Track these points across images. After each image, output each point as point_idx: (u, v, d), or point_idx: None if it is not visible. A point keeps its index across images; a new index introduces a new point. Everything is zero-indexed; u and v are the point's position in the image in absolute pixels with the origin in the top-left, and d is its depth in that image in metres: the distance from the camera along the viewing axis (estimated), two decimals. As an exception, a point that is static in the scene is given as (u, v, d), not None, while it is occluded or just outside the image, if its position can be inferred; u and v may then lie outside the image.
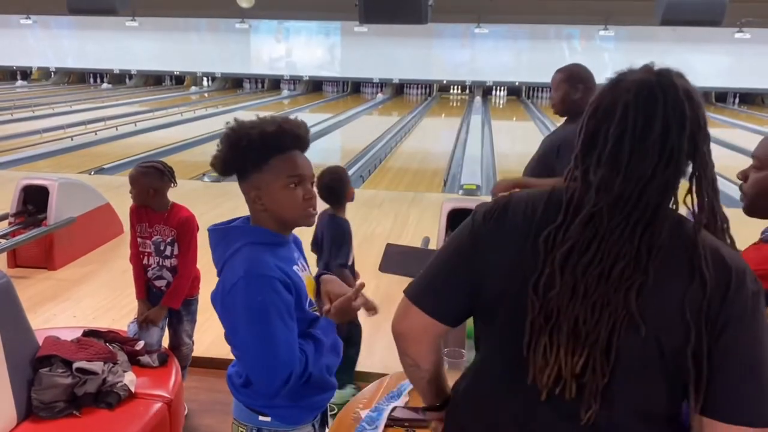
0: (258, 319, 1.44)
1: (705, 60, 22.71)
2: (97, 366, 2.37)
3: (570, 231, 1.01)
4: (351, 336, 2.94)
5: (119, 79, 26.53)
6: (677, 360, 0.98)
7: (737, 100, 23.74)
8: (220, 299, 1.52)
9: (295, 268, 1.57)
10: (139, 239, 2.85)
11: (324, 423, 1.78)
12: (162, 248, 2.82)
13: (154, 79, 26.93)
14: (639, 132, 0.98)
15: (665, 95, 0.98)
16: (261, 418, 1.61)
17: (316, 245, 2.95)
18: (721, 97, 23.89)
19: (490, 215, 1.12)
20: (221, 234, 1.57)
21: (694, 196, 1.02)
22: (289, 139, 1.50)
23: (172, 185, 2.86)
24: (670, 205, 1.02)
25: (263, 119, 1.52)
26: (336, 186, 2.94)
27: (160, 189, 2.80)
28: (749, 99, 23.47)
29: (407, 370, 1.28)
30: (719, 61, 22.48)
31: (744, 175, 1.43)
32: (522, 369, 1.06)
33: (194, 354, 3.19)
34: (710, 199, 1.02)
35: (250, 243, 1.51)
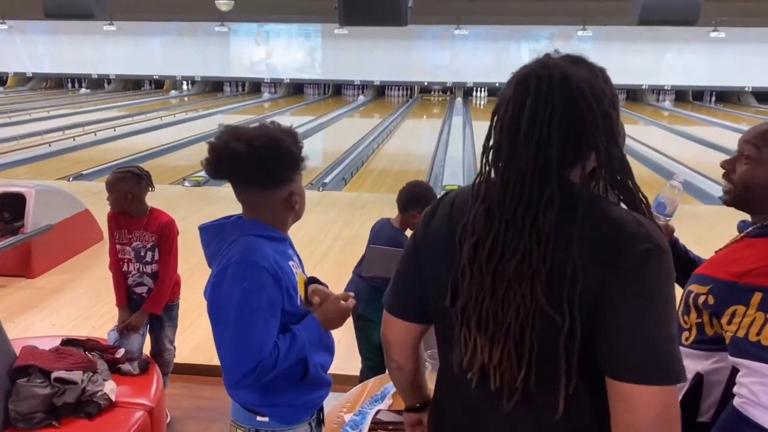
0: (237, 305, 1.47)
1: (682, 59, 23.03)
2: (76, 375, 2.34)
3: (474, 226, 1.06)
4: None
5: (97, 83, 26.24)
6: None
7: (714, 99, 24.06)
8: (210, 286, 1.53)
9: (290, 263, 1.61)
10: (118, 246, 2.82)
11: (320, 422, 1.79)
12: (142, 254, 2.79)
13: (133, 84, 26.66)
14: (512, 123, 1.02)
15: (538, 84, 1.01)
16: (259, 418, 1.63)
17: None
18: (698, 95, 24.22)
19: (425, 217, 1.21)
20: (215, 230, 1.59)
21: (601, 181, 1.05)
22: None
23: (150, 190, 2.83)
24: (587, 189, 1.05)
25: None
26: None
27: (137, 194, 2.76)
28: (725, 97, 23.80)
29: (392, 373, 1.35)
30: (696, 60, 22.79)
31: (732, 165, 1.41)
32: (449, 360, 1.13)
33: (176, 360, 3.16)
34: (622, 179, 1.05)
35: (248, 234, 1.55)
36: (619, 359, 0.99)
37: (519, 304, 1.01)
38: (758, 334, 1.22)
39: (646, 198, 1.08)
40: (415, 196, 2.88)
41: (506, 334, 1.02)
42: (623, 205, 1.07)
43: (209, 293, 1.53)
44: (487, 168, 1.08)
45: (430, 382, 1.32)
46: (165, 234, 2.78)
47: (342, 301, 1.68)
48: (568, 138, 1.01)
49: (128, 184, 2.74)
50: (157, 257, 2.79)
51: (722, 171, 1.46)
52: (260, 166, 1.52)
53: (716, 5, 10.34)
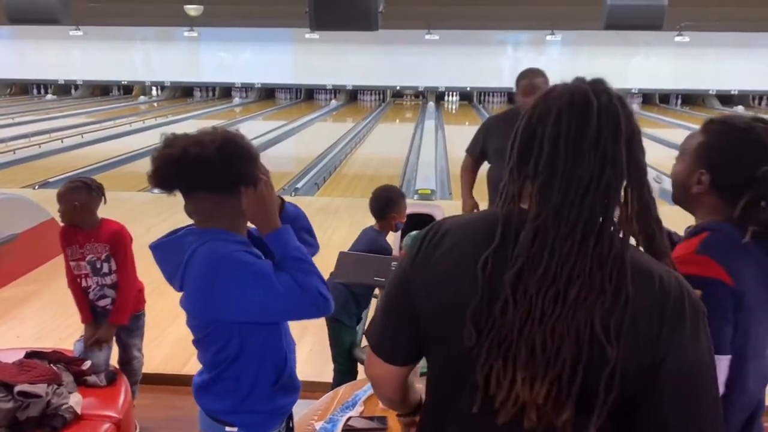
0: (249, 275, 1.46)
1: (648, 63, 23.45)
2: (40, 389, 2.29)
3: (517, 249, 0.95)
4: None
5: (64, 89, 25.80)
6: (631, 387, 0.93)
7: (680, 101, 24.55)
8: (196, 295, 1.50)
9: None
10: (72, 263, 2.76)
11: (289, 430, 1.77)
12: (98, 266, 2.73)
13: (101, 89, 26.26)
14: (573, 135, 0.94)
15: (599, 99, 0.95)
16: (228, 429, 1.60)
17: None
18: (665, 98, 24.68)
19: (413, 252, 1.09)
20: (172, 245, 1.55)
21: (629, 205, 0.97)
22: None
23: (102, 202, 2.77)
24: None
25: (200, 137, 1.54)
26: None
27: (86, 205, 2.70)
28: (691, 100, 24.31)
29: (382, 401, 1.35)
30: (662, 64, 23.22)
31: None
32: (461, 399, 1.03)
33: (147, 370, 3.11)
34: (645, 213, 0.99)
35: (209, 240, 1.51)
36: (670, 420, 0.94)
37: (580, 332, 0.91)
38: None
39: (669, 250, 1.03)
40: (385, 201, 2.99)
41: (557, 367, 0.92)
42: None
43: (203, 305, 1.50)
44: (517, 187, 0.99)
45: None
46: (117, 242, 2.73)
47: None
48: (630, 158, 0.95)
49: (77, 194, 2.68)
50: (114, 267, 2.74)
51: None
52: (225, 167, 1.48)
53: (681, 10, 10.55)
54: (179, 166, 1.48)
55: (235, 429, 1.60)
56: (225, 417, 1.61)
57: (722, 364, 1.24)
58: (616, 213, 0.97)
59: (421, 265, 1.07)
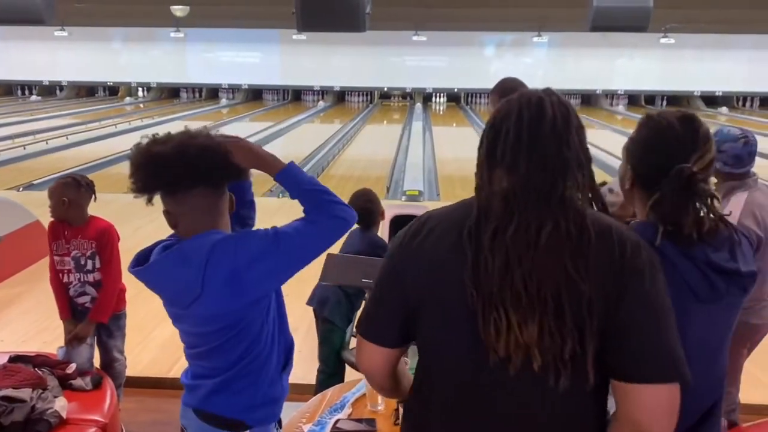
0: (274, 234, 1.48)
1: (634, 64, 23.63)
2: (24, 393, 2.27)
3: (491, 215, 1.11)
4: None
5: (49, 90, 25.56)
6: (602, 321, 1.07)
7: (665, 103, 24.73)
8: (224, 289, 1.45)
9: None
10: (56, 257, 2.76)
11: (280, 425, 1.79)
12: (83, 263, 2.73)
13: (86, 91, 26.04)
14: (534, 124, 1.11)
15: (550, 98, 1.14)
16: None
17: None
18: (650, 99, 24.85)
19: (402, 238, 1.22)
20: (177, 254, 1.49)
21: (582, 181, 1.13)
22: None
23: (93, 200, 2.78)
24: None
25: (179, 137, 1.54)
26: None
27: (75, 200, 2.71)
28: (676, 101, 24.48)
29: (377, 390, 1.45)
30: (647, 65, 23.40)
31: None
32: (474, 357, 1.11)
33: (132, 373, 3.09)
34: (596, 193, 1.17)
35: (212, 235, 1.49)
36: (630, 361, 1.07)
37: (555, 272, 1.06)
38: None
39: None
40: (369, 211, 2.99)
41: (541, 305, 1.06)
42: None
43: (234, 285, 1.46)
44: (487, 174, 1.14)
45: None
46: (104, 240, 2.73)
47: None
48: (578, 142, 1.13)
49: (67, 190, 2.70)
50: (98, 265, 2.74)
51: None
52: (213, 164, 1.48)
53: (666, 12, 10.63)
54: (182, 157, 1.46)
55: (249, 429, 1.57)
56: (240, 416, 1.58)
57: None
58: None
59: (407, 249, 1.20)
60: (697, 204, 1.28)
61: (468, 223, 1.12)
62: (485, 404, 1.14)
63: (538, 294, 1.06)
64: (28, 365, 2.50)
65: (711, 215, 1.30)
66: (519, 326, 1.06)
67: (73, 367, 2.59)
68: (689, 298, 1.27)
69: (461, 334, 1.13)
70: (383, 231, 3.56)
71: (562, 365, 1.06)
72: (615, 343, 1.07)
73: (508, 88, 3.22)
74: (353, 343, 3.39)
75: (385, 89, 25.16)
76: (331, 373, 2.90)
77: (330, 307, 2.94)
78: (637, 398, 1.06)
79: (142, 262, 1.54)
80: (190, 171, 1.47)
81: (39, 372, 2.46)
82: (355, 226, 2.98)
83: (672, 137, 1.32)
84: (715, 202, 1.30)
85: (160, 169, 1.48)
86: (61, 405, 2.33)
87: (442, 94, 24.88)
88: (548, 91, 1.16)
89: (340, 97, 25.29)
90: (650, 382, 1.06)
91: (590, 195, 1.15)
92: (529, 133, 1.11)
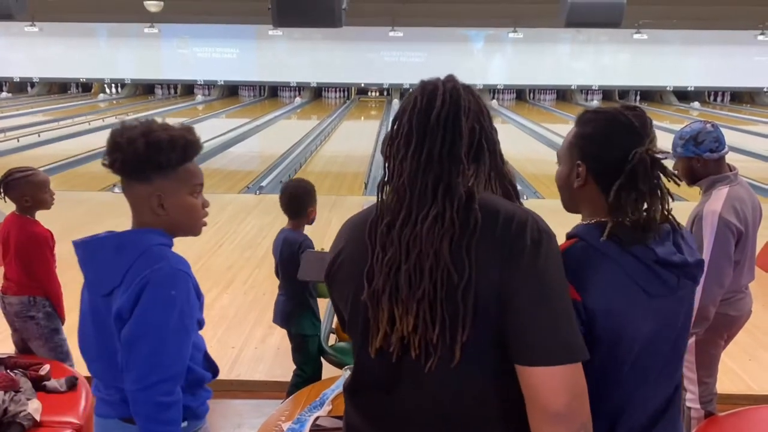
0: (174, 315, 1.41)
1: (608, 60, 23.90)
2: (-4, 396, 2.22)
3: (385, 212, 1.13)
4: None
5: (20, 87, 25.09)
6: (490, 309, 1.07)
7: (638, 98, 25.05)
8: (135, 289, 1.41)
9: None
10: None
11: None
12: None
13: (58, 87, 25.62)
14: (423, 114, 1.12)
15: (444, 85, 1.15)
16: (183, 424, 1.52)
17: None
18: (624, 94, 25.16)
19: (336, 236, 1.26)
20: (116, 241, 1.48)
21: (486, 168, 1.16)
22: (197, 148, 1.51)
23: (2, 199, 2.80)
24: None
25: (164, 124, 1.49)
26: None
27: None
28: (649, 96, 24.83)
29: None
30: (621, 61, 23.69)
31: None
32: (366, 351, 1.16)
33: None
34: (501, 176, 1.19)
35: (157, 245, 1.47)
36: (523, 344, 1.07)
37: (431, 264, 1.07)
38: None
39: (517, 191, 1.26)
40: (302, 196, 2.91)
41: (418, 293, 1.07)
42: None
43: (133, 305, 1.41)
44: (390, 167, 1.16)
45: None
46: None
47: None
48: (473, 128, 1.14)
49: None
50: None
51: None
52: (139, 153, 1.43)
53: (639, 8, 10.76)
54: (158, 148, 1.43)
55: (185, 423, 1.52)
56: (195, 408, 1.57)
57: None
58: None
59: (332, 252, 1.24)
60: (659, 188, 1.28)
61: (370, 219, 1.15)
62: (388, 397, 1.16)
63: (419, 287, 1.07)
64: (0, 367, 2.44)
65: (666, 203, 1.29)
66: (400, 319, 1.08)
67: (46, 368, 2.54)
68: (639, 294, 1.26)
69: (362, 328, 1.17)
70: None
71: (433, 350, 1.07)
72: (506, 325, 1.07)
73: None
74: (332, 339, 3.38)
75: (363, 85, 25.13)
76: (307, 377, 2.87)
77: (296, 322, 2.89)
78: (530, 380, 1.06)
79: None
80: (133, 158, 1.45)
81: (11, 374, 2.41)
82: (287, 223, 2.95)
83: (627, 127, 1.31)
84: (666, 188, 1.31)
85: (144, 151, 1.44)
86: (34, 407, 2.29)
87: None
88: (446, 78, 1.17)
89: (317, 93, 25.20)
90: (539, 365, 1.05)
91: (498, 180, 1.18)
92: (418, 125, 1.12)
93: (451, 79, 1.17)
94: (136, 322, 1.41)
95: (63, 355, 2.82)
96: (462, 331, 1.06)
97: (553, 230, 1.13)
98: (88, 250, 1.50)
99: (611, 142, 1.31)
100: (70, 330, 2.85)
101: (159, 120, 1.53)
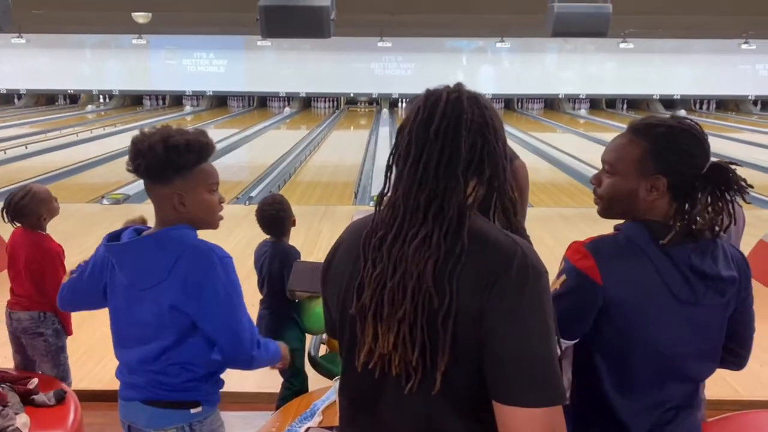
0: (237, 295, 1.63)
1: (595, 68, 24.11)
2: (-17, 411, 2.20)
3: (379, 224, 1.12)
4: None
5: (6, 99, 24.97)
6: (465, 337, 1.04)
7: (625, 106, 25.29)
8: (191, 282, 1.57)
9: None
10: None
11: None
12: None
13: (46, 98, 25.51)
14: (423, 126, 1.09)
15: (448, 96, 1.10)
16: (193, 410, 1.65)
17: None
18: (611, 103, 25.38)
19: (332, 250, 1.24)
20: (159, 240, 1.61)
21: (484, 184, 1.11)
22: (212, 149, 1.66)
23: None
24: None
25: (180, 129, 1.62)
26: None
27: None
28: (635, 104, 25.07)
29: None
30: (608, 70, 23.91)
31: (597, 180, 1.45)
32: (352, 363, 1.15)
33: (99, 387, 3.03)
34: (501, 193, 1.12)
35: (194, 238, 1.64)
36: (500, 382, 1.02)
37: (414, 285, 1.05)
38: None
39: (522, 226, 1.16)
40: (280, 215, 2.85)
41: (402, 317, 1.05)
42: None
43: (192, 292, 1.57)
44: (391, 174, 1.14)
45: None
46: None
47: None
48: (475, 142, 1.09)
49: None
50: None
51: None
52: (159, 157, 1.57)
53: (624, 18, 10.86)
54: (185, 150, 1.57)
55: (200, 408, 1.66)
56: (192, 399, 1.66)
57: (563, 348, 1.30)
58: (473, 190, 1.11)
59: (327, 262, 1.24)
60: (728, 196, 1.32)
61: (364, 231, 1.14)
62: (370, 412, 1.16)
63: (401, 306, 1.05)
64: (-13, 382, 2.42)
65: (729, 215, 1.33)
66: (382, 336, 1.07)
67: (35, 382, 2.52)
68: (666, 297, 1.30)
69: (349, 341, 1.16)
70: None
71: (413, 371, 1.05)
72: (486, 359, 1.03)
73: None
74: (323, 350, 3.37)
75: (352, 95, 25.20)
76: (296, 390, 2.85)
77: (282, 337, 2.83)
78: (505, 418, 1.02)
79: (114, 240, 1.68)
80: (155, 162, 1.59)
81: (-1, 388, 2.39)
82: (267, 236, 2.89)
83: (702, 140, 1.35)
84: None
85: (170, 155, 1.58)
86: (23, 422, 2.27)
87: (408, 100, 25.02)
88: (452, 88, 1.12)
89: (306, 103, 25.24)
90: (515, 405, 1.00)
91: (499, 197, 1.12)
92: (417, 138, 1.09)
93: (456, 89, 1.12)
94: (214, 315, 1.59)
95: (64, 374, 2.79)
96: (441, 358, 1.03)
97: (544, 268, 1.07)
98: (127, 251, 1.64)
99: (693, 156, 1.33)
100: (75, 345, 2.86)
101: (172, 125, 1.68)
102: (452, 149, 1.07)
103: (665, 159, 1.33)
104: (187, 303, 1.57)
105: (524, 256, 1.05)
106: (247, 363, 1.68)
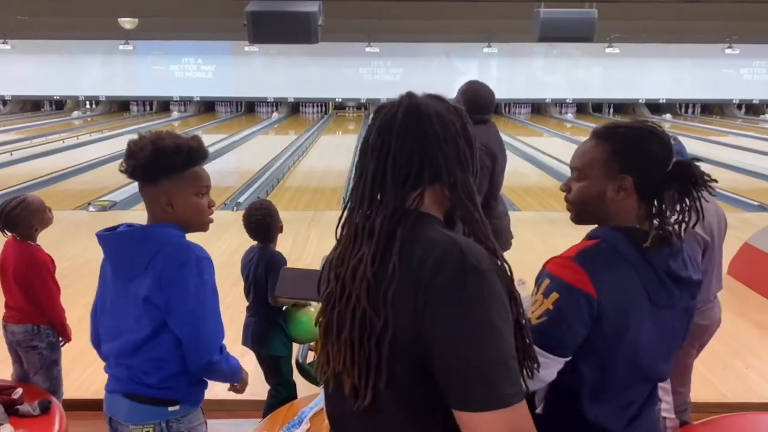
0: (209, 296, 1.65)
1: (581, 73, 24.25)
2: (-33, 421, 2.17)
3: (338, 243, 1.13)
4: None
5: (-8, 105, 24.75)
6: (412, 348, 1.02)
7: (612, 111, 25.45)
8: (164, 277, 1.60)
9: None
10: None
11: None
12: None
13: (31, 105, 25.28)
14: (364, 142, 1.12)
15: (387, 111, 1.10)
16: (171, 408, 1.67)
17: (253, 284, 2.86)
18: (598, 107, 25.54)
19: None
20: (141, 234, 1.66)
21: (443, 192, 1.10)
22: (202, 154, 1.71)
23: None
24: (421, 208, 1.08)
25: (173, 133, 1.69)
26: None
27: None
28: (622, 108, 25.23)
29: None
30: (594, 74, 24.06)
31: (567, 187, 1.46)
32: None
33: (85, 396, 3.01)
34: (456, 200, 1.09)
35: (177, 237, 1.67)
36: (452, 389, 0.99)
37: (354, 306, 1.05)
38: (538, 317, 1.32)
39: (487, 225, 1.10)
40: (267, 220, 2.84)
41: (348, 337, 1.06)
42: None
43: (165, 287, 1.60)
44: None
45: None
46: None
47: None
48: (411, 154, 1.07)
49: None
50: None
51: None
52: (147, 159, 1.63)
53: (610, 23, 10.96)
54: (176, 152, 1.62)
55: (177, 407, 1.68)
56: (169, 397, 1.68)
57: (552, 365, 1.31)
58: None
59: (321, 273, 1.22)
60: (694, 192, 1.34)
61: (337, 246, 1.14)
62: (341, 428, 1.18)
63: (344, 327, 1.06)
64: (-29, 392, 2.40)
65: (697, 214, 1.35)
66: (334, 357, 1.09)
67: (19, 392, 2.50)
68: (645, 302, 1.33)
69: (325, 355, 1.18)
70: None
71: (363, 391, 1.04)
72: (434, 368, 1.00)
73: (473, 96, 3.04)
74: (311, 356, 3.36)
75: (340, 100, 25.19)
76: (284, 398, 2.84)
77: (268, 344, 2.83)
78: (464, 426, 0.99)
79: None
80: (142, 164, 1.65)
81: (-17, 399, 2.37)
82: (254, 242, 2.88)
83: (663, 138, 1.37)
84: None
85: (164, 156, 1.64)
86: (7, 432, 2.25)
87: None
88: (395, 102, 1.11)
89: (295, 108, 25.19)
90: (471, 411, 0.97)
91: (451, 193, 1.09)
92: (360, 155, 1.11)
93: (401, 101, 1.11)
94: (180, 310, 1.61)
95: (56, 387, 2.76)
96: (377, 376, 1.03)
97: (486, 265, 1.02)
98: (113, 242, 1.69)
99: (656, 154, 1.36)
100: (71, 353, 2.83)
101: (169, 130, 1.74)
102: (385, 165, 1.07)
103: (629, 158, 1.36)
104: (159, 296, 1.60)
105: (462, 255, 1.01)
106: (207, 367, 1.67)
